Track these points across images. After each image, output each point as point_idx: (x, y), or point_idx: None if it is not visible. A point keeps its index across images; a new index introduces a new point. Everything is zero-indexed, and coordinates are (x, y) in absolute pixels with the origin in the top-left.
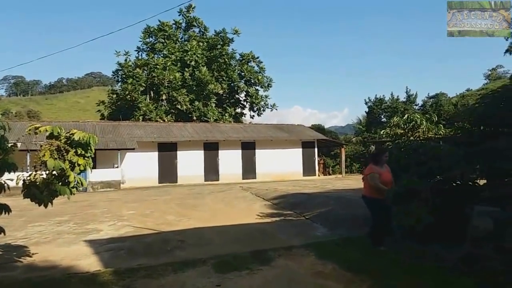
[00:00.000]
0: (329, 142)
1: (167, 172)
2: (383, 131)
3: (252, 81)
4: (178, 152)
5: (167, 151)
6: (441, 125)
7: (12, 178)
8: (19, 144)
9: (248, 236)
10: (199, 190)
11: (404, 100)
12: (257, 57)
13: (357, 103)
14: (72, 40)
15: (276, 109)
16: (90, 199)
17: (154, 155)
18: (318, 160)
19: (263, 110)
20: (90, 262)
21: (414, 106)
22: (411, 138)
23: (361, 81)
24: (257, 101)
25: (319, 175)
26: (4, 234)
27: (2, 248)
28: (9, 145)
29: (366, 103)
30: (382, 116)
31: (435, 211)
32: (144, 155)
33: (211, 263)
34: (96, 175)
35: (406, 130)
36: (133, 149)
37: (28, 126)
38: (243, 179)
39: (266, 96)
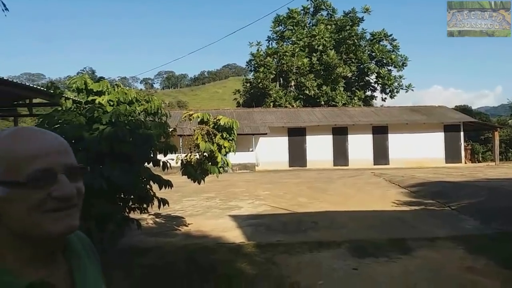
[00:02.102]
0: (478, 125)
1: (297, 156)
2: None
3: (384, 61)
4: (307, 137)
5: (296, 135)
6: None
7: (172, 158)
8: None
9: (384, 223)
10: (328, 174)
11: None
12: (390, 35)
13: None
14: (212, 35)
15: (412, 90)
16: (230, 179)
17: (285, 139)
18: (464, 146)
19: (397, 92)
20: (235, 235)
21: None
22: None
23: None
24: (389, 82)
25: (465, 162)
26: (168, 205)
27: (164, 218)
28: (170, 130)
29: None
30: None
31: None
32: (275, 139)
33: (346, 247)
34: (234, 158)
35: None
36: (266, 134)
37: (183, 114)
38: (374, 164)
39: (400, 77)
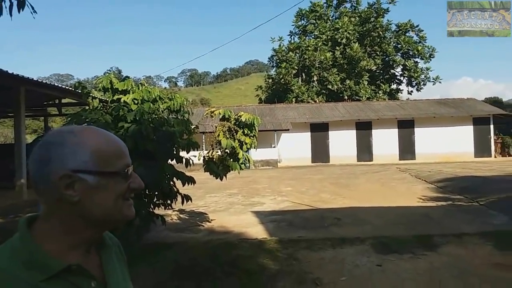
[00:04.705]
0: (509, 117)
1: (320, 152)
2: None
3: (411, 53)
4: (330, 132)
5: (319, 131)
6: None
7: (195, 155)
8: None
9: (409, 219)
10: (352, 170)
11: None
12: (417, 26)
13: None
14: (233, 32)
15: (440, 82)
16: (253, 176)
17: (307, 135)
18: (494, 139)
19: (424, 85)
20: (257, 231)
21: None
22: None
23: None
24: (416, 74)
25: (495, 157)
26: (191, 201)
27: (188, 214)
28: (193, 127)
29: None
30: None
31: None
32: (297, 135)
33: (369, 243)
34: (256, 154)
35: None
36: (288, 130)
37: (205, 111)
38: (400, 160)
39: (427, 69)
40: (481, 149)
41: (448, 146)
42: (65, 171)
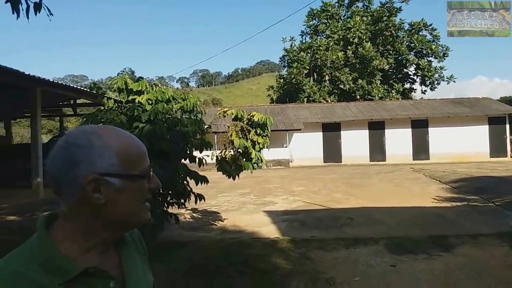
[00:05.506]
0: None
1: (332, 152)
2: None
3: (424, 52)
4: (342, 132)
5: (331, 131)
6: None
7: (208, 155)
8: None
9: (423, 219)
10: (365, 170)
11: None
12: (430, 25)
13: None
14: (245, 32)
15: (454, 82)
16: (265, 175)
17: (319, 135)
18: (510, 139)
19: (438, 84)
20: (269, 230)
21: None
22: None
23: None
24: (429, 74)
25: (511, 157)
26: (204, 200)
27: (201, 213)
28: (205, 126)
29: None
30: None
31: None
32: (309, 135)
33: (383, 243)
34: (268, 154)
35: None
36: (300, 129)
37: (218, 111)
38: (413, 160)
39: (441, 68)
40: (497, 149)
41: (463, 146)
42: (94, 175)
